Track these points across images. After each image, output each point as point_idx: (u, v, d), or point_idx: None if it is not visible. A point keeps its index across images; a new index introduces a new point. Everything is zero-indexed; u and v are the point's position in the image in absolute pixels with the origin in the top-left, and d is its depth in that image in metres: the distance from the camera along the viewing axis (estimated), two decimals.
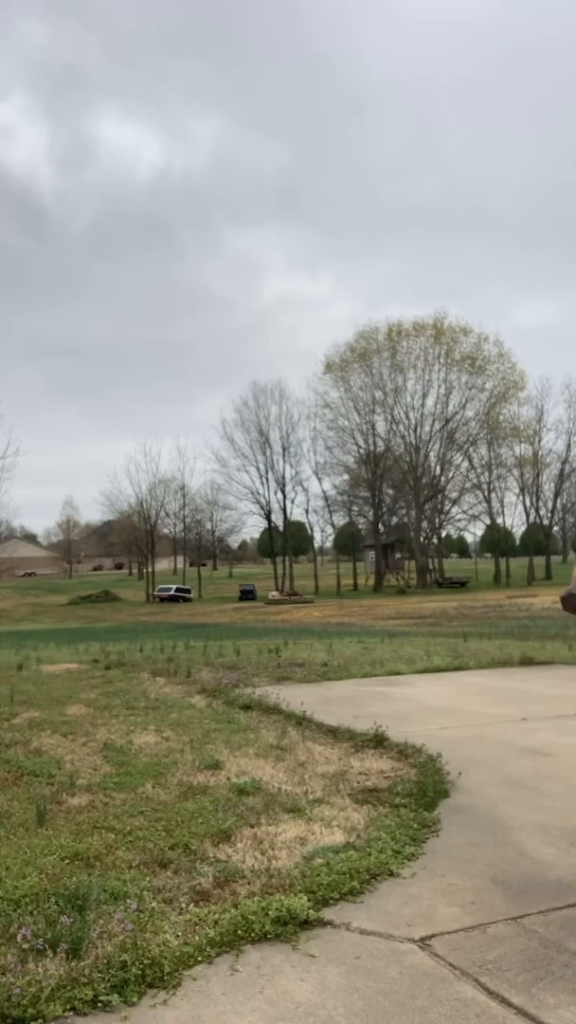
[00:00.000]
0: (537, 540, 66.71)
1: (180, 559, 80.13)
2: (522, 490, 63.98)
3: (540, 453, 63.06)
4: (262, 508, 64.17)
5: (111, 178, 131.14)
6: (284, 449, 62.40)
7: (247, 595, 58.47)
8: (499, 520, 66.19)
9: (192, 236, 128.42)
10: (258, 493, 63.64)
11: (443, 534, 71.09)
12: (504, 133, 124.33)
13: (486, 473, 61.72)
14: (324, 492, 63.64)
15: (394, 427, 60.41)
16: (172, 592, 62.60)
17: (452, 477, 62.30)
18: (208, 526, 76.65)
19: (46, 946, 2.17)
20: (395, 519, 64.26)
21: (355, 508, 65.78)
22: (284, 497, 63.42)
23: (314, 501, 63.67)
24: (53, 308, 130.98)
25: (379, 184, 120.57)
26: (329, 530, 69.94)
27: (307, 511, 64.58)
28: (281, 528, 64.96)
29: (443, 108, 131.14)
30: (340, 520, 68.10)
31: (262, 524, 68.30)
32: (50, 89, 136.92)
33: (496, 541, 67.38)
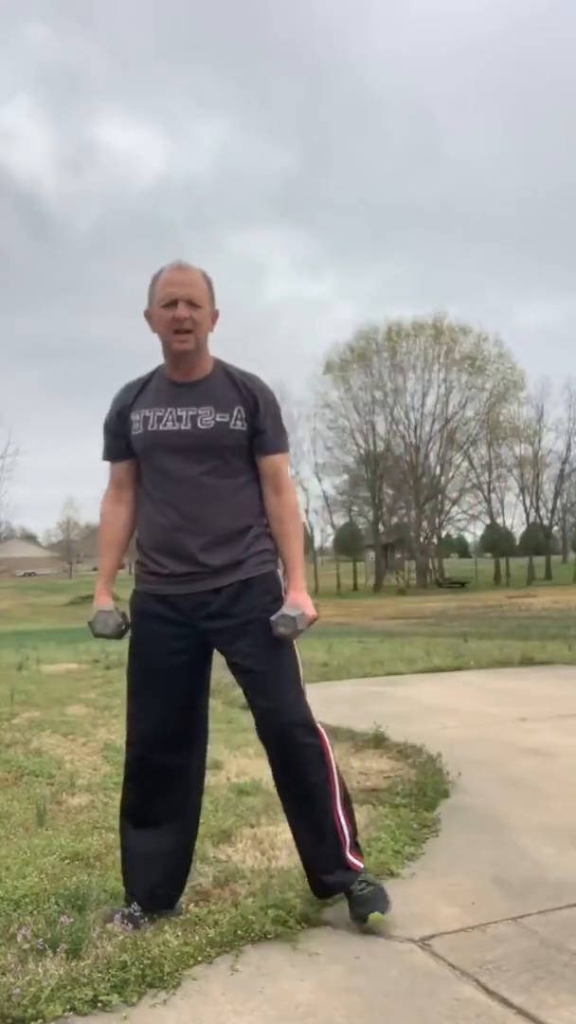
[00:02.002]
0: (537, 540, 66.68)
1: None
2: (522, 490, 63.93)
3: (540, 453, 63.01)
4: None
5: (114, 181, 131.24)
6: None
7: None
8: (499, 520, 66.15)
9: (194, 238, 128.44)
10: None
11: (443, 534, 71.08)
12: (506, 134, 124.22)
13: (486, 473, 61.72)
14: (324, 492, 63.66)
15: (394, 427, 60.47)
16: None
17: (452, 477, 62.31)
18: None
19: (46, 946, 2.16)
20: (395, 519, 64.26)
21: (355, 508, 65.77)
22: None
23: (314, 501, 63.59)
24: (54, 309, 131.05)
25: (381, 186, 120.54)
26: (329, 530, 69.91)
27: (307, 511, 64.50)
28: None
29: (445, 110, 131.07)
30: (340, 520, 68.08)
31: None
32: (54, 92, 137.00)
33: (496, 541, 67.36)
